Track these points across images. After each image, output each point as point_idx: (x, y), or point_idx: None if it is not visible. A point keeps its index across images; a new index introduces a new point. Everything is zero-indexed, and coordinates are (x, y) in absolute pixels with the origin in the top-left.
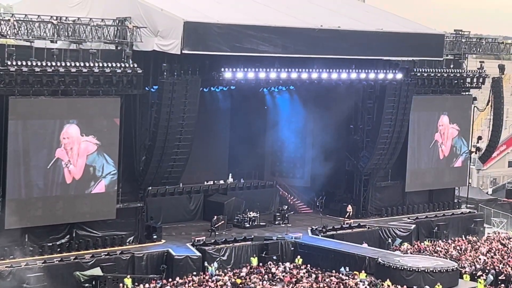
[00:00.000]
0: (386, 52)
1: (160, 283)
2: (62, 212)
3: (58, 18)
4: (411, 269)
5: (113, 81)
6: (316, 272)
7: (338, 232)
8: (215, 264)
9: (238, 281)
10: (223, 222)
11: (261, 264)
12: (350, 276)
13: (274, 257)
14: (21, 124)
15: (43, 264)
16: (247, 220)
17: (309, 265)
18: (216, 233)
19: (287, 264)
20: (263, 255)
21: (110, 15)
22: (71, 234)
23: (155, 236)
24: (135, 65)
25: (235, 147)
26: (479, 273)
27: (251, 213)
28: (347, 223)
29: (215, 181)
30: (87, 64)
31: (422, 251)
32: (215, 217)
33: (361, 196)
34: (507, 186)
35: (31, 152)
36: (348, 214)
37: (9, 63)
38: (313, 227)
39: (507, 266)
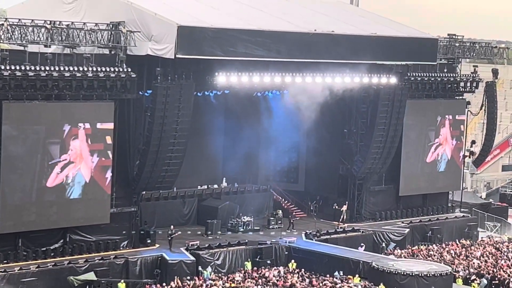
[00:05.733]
0: (380, 56)
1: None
2: (56, 217)
3: (52, 23)
4: (405, 273)
5: (107, 85)
6: (310, 276)
7: (332, 236)
8: (209, 269)
9: (232, 285)
10: (179, 233)
11: (255, 268)
12: (344, 281)
13: (268, 262)
14: (15, 128)
15: (37, 269)
16: (241, 225)
17: (303, 270)
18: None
19: (281, 269)
20: (257, 259)
21: (104, 19)
22: (65, 239)
23: (149, 241)
24: (129, 70)
25: (229, 151)
26: (473, 277)
27: (245, 217)
28: (341, 227)
29: (209, 186)
30: (80, 69)
31: (416, 255)
32: (172, 227)
33: (355, 201)
34: (501, 190)
35: (25, 156)
36: (342, 217)
37: (2, 67)
38: (307, 231)
39: (501, 270)
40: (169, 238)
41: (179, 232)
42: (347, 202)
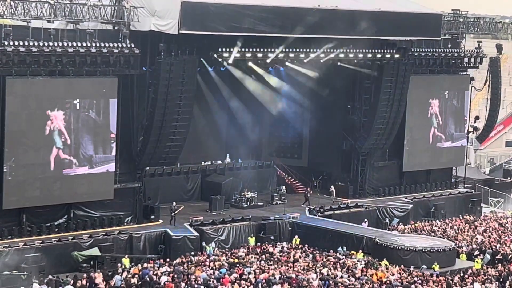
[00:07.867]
0: (383, 31)
1: (158, 263)
2: (60, 193)
3: None
4: (408, 249)
5: (110, 61)
6: (314, 252)
7: (336, 212)
8: (213, 244)
9: (236, 261)
10: (182, 207)
11: (258, 244)
12: (347, 256)
13: (272, 237)
14: (19, 104)
15: (41, 244)
16: (245, 200)
17: (306, 245)
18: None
19: (285, 244)
20: (261, 235)
21: None
22: (69, 215)
23: (153, 216)
24: (132, 45)
25: (232, 127)
26: (476, 252)
27: (248, 193)
28: (334, 201)
29: (213, 161)
30: (84, 44)
31: (418, 230)
32: (174, 203)
33: (358, 176)
34: (505, 166)
35: (28, 132)
36: (332, 197)
37: (6, 43)
38: (311, 207)
39: (504, 245)
40: (172, 214)
41: (182, 207)
42: (335, 184)
